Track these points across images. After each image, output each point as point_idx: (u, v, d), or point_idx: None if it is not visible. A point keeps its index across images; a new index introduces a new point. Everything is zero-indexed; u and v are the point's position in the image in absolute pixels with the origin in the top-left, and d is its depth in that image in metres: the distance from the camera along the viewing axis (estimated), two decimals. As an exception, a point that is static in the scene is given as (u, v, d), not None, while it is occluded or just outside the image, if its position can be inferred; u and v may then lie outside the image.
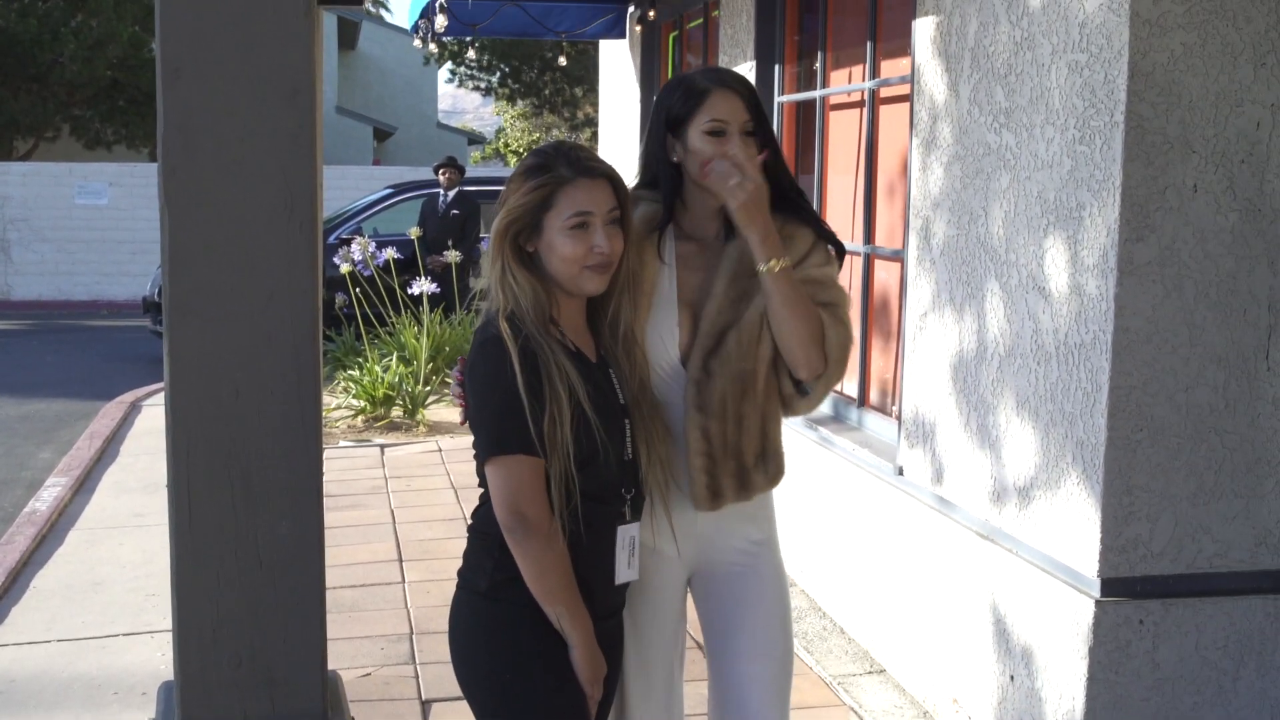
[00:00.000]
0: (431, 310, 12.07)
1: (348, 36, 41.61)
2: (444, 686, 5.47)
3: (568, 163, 3.05)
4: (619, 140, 11.52)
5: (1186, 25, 4.18)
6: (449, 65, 34.67)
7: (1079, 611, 4.30)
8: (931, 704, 5.33)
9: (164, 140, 2.67)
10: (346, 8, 2.89)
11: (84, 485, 9.61)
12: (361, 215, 16.21)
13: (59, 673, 6.00)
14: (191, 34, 2.66)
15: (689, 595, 3.51)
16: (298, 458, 2.84)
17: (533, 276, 3.05)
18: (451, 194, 14.52)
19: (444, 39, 13.27)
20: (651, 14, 9.81)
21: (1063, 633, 4.39)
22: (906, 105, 5.77)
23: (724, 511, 3.31)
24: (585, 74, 30.14)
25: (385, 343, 12.20)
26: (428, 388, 11.68)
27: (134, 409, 12.54)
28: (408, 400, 11.41)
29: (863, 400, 6.53)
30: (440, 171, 14.68)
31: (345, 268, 12.10)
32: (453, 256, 12.57)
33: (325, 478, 2.92)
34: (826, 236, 3.39)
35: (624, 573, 3.15)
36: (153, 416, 12.09)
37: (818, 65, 7.07)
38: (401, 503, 8.70)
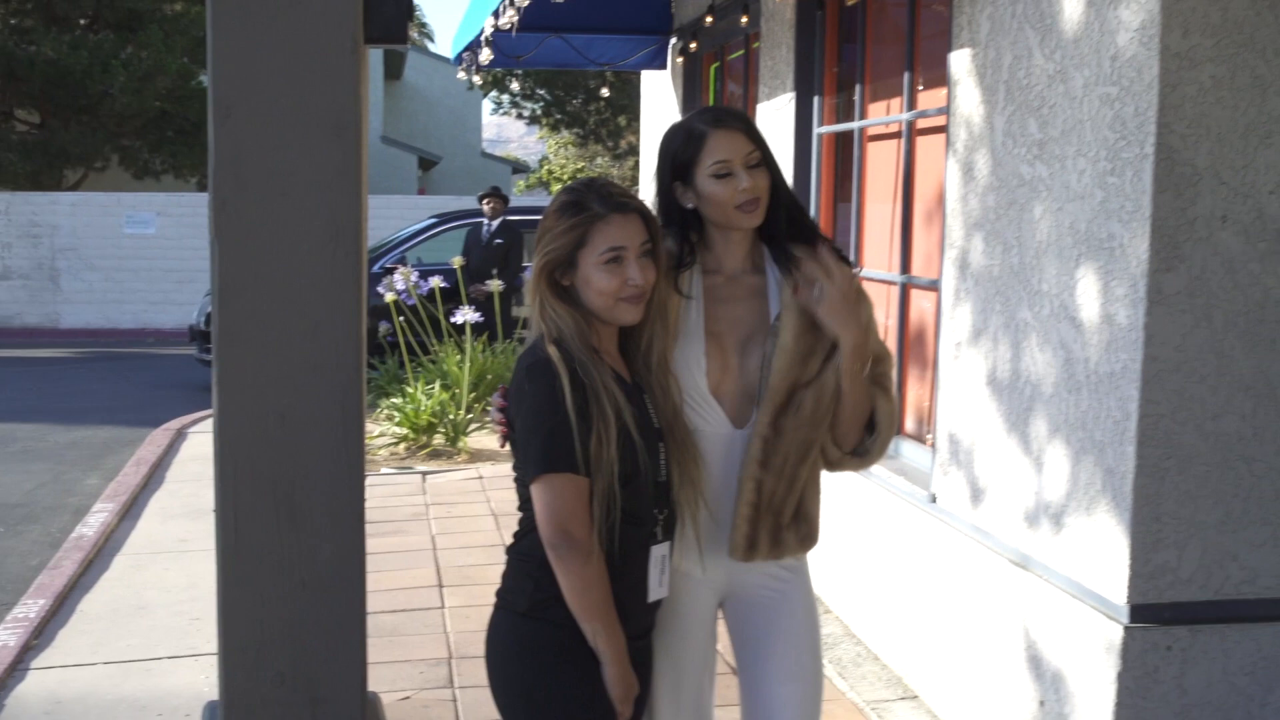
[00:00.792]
0: (474, 338, 12.19)
1: (393, 67, 42.00)
2: (482, 710, 5.55)
3: (600, 199, 3.17)
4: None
5: (1216, 58, 4.24)
6: (493, 95, 34.92)
7: (1108, 637, 4.35)
8: (965, 729, 5.38)
9: (215, 175, 2.78)
10: (392, 45, 2.97)
11: (130, 511, 9.75)
12: (406, 245, 16.38)
13: (104, 694, 6.12)
14: (242, 74, 2.77)
15: (720, 618, 3.58)
16: (340, 482, 2.93)
17: (571, 308, 3.16)
18: (495, 223, 14.66)
19: (489, 70, 13.42)
20: (693, 45, 9.92)
21: (1092, 658, 4.44)
22: (943, 136, 5.85)
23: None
24: (629, 103, 30.32)
25: (428, 370, 12.33)
26: (470, 415, 11.79)
27: (180, 436, 12.70)
28: (450, 428, 11.52)
29: (899, 429, 6.59)
30: (484, 201, 14.83)
31: (389, 297, 12.24)
32: (495, 285, 12.70)
33: (367, 503, 3.01)
34: (835, 251, 3.48)
35: (656, 590, 3.24)
36: (199, 443, 12.25)
37: (856, 97, 7.15)
38: (442, 529, 8.80)
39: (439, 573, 7.75)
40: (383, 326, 12.78)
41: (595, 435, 3.02)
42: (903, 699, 5.79)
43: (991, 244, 5.25)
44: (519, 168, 50.75)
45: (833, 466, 3.55)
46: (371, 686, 3.13)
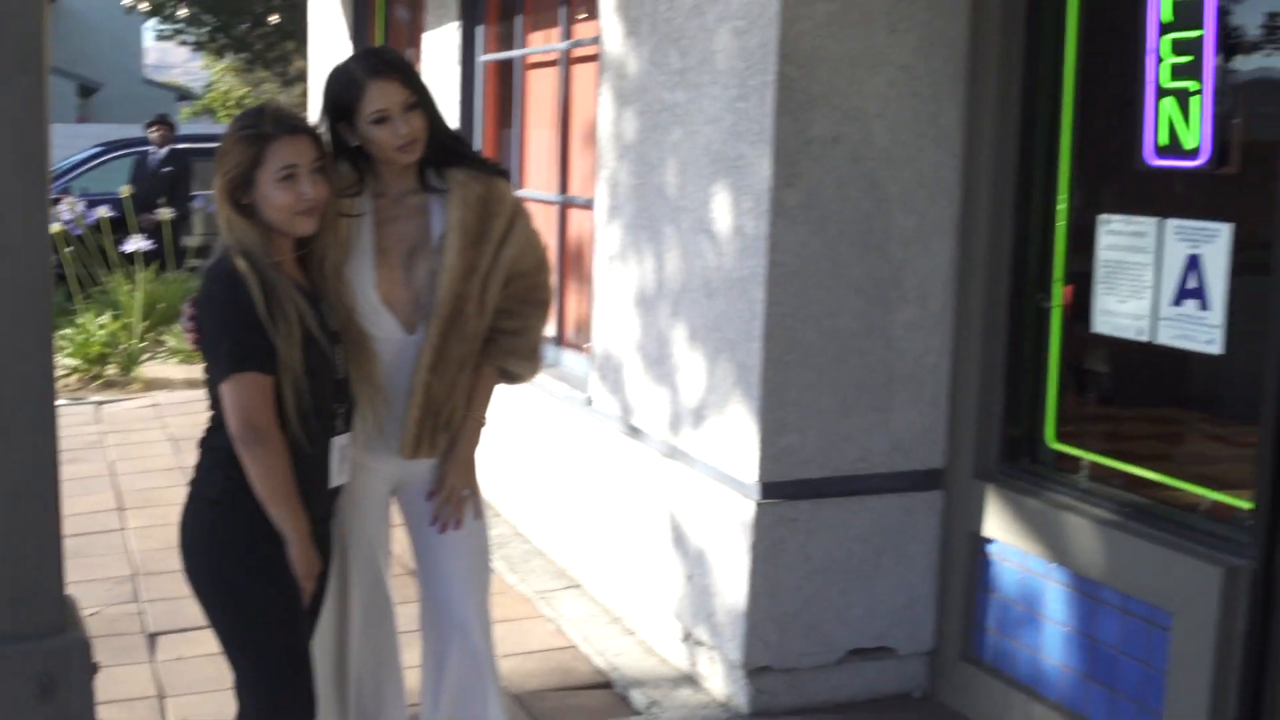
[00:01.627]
0: (145, 267, 12.14)
1: (48, -10, 40.28)
2: (170, 619, 5.80)
3: (273, 122, 3.48)
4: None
5: (827, -3, 4.78)
6: (155, 21, 33.91)
7: (743, 514, 4.90)
8: (622, 610, 5.90)
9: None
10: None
11: None
12: (70, 175, 16.05)
13: None
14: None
15: (394, 505, 3.98)
16: (35, 395, 3.23)
17: (253, 223, 3.46)
18: (163, 151, 14.53)
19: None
20: (361, -25, 10.13)
21: (730, 534, 4.98)
22: (596, 65, 6.28)
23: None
24: (296, 29, 29.92)
25: (98, 301, 12.23)
26: (143, 344, 11.78)
27: None
28: (123, 357, 11.50)
29: (560, 339, 7.05)
30: (152, 129, 14.67)
31: (55, 227, 12.08)
32: (165, 214, 12.65)
33: (43, 434, 3.31)
34: (491, 168, 3.90)
35: (337, 477, 3.59)
36: None
37: (517, 26, 7.53)
38: (121, 455, 8.88)
39: (119, 496, 7.86)
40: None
41: (280, 337, 3.35)
42: (567, 588, 6.29)
43: (638, 165, 5.73)
44: (184, 94, 49.32)
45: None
46: (60, 605, 3.41)
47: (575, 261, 6.94)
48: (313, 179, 3.47)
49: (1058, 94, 4.81)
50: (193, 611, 3.74)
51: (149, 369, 11.73)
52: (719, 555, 5.06)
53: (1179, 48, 4.28)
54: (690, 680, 5.27)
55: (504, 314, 3.87)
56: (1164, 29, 4.32)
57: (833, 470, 4.96)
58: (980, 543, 4.96)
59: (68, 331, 11.79)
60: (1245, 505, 4.10)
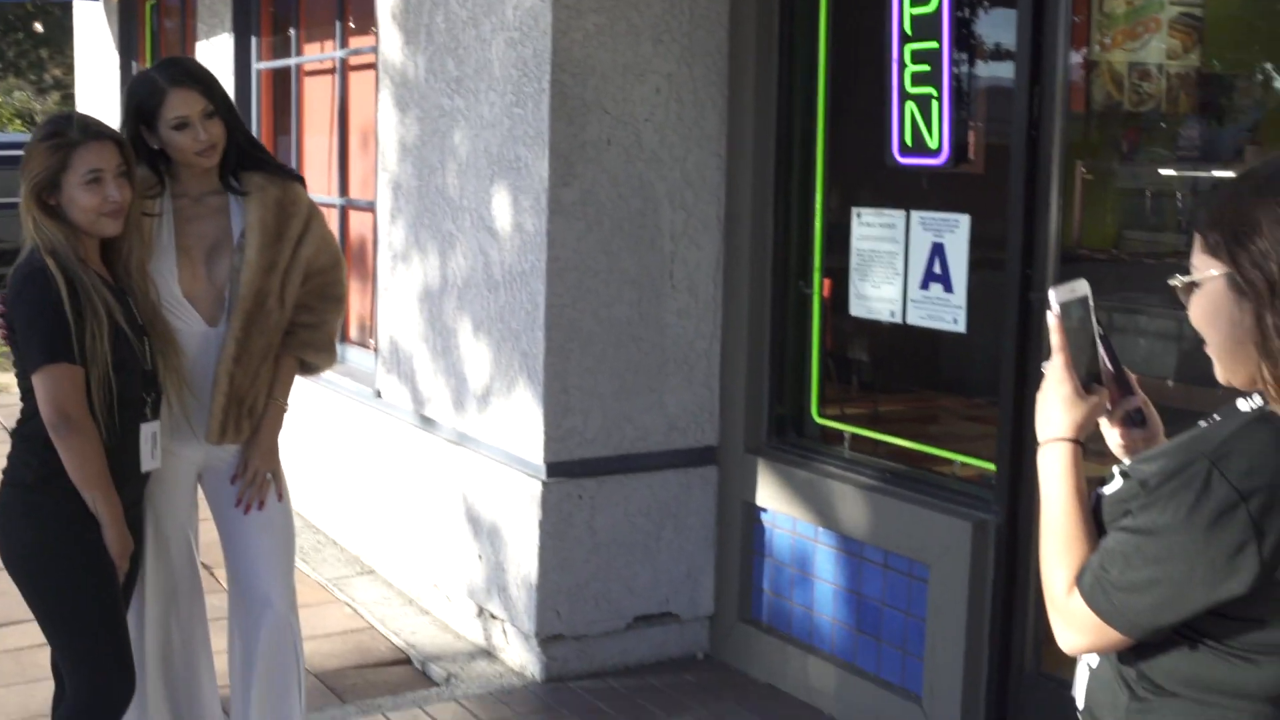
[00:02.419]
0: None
1: None
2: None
3: (79, 129, 3.66)
4: (99, 104, 11.70)
5: (598, 9, 5.12)
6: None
7: (531, 492, 5.21)
8: (416, 592, 6.16)
9: None
10: None
11: None
12: None
13: None
14: None
15: (200, 488, 4.19)
16: None
17: (60, 224, 3.63)
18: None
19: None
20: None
21: (519, 512, 5.28)
22: (374, 72, 6.52)
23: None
24: (52, 36, 29.20)
25: None
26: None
27: None
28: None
29: (344, 336, 7.26)
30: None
31: None
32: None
33: None
34: (287, 173, 4.16)
35: (148, 462, 3.79)
36: None
37: (292, 35, 7.71)
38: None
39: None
40: None
41: (89, 331, 3.53)
42: (361, 574, 6.51)
43: (419, 167, 5.99)
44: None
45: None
46: None
47: (358, 261, 7.16)
48: (117, 182, 3.64)
49: (812, 99, 5.25)
50: None
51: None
52: (510, 534, 5.35)
53: (919, 57, 4.74)
54: (486, 653, 5.56)
55: (302, 309, 4.12)
56: (905, 39, 4.77)
57: (614, 449, 5.30)
58: (754, 512, 5.36)
59: None
60: (990, 467, 4.57)
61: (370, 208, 6.76)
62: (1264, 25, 5.19)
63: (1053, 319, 2.10)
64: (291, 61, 7.71)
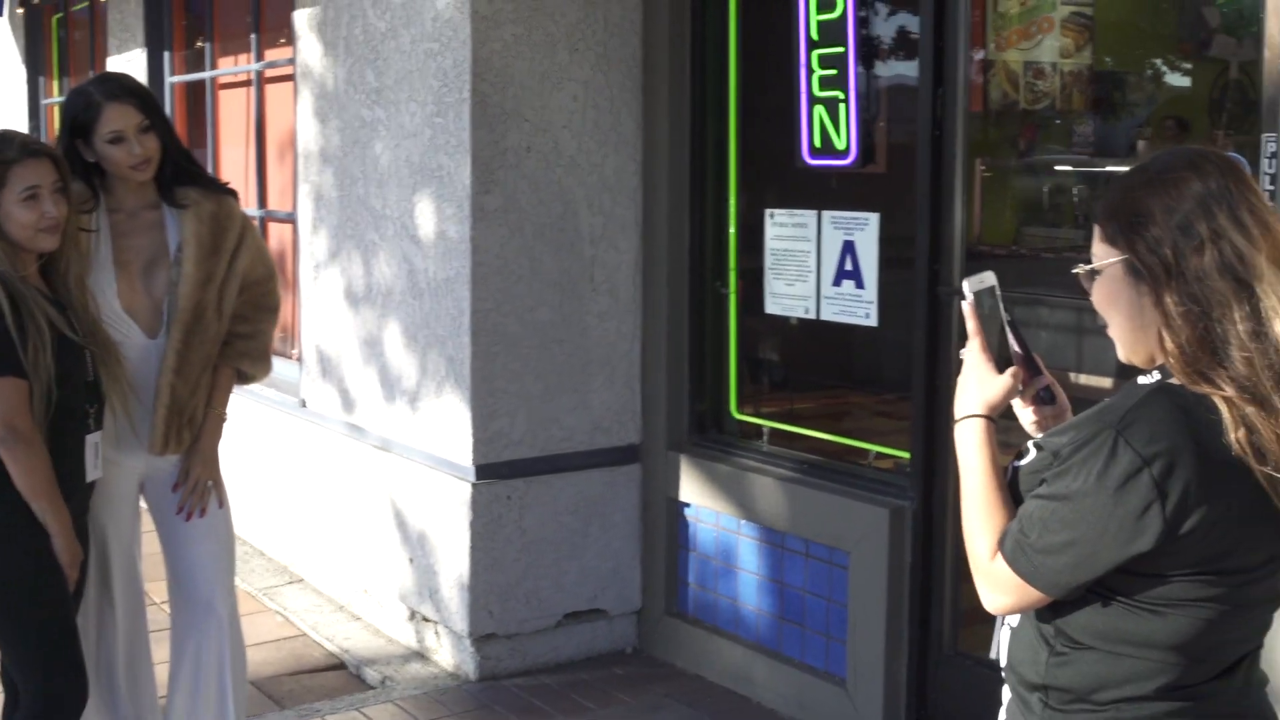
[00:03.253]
0: None
1: None
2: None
3: (15, 147, 3.72)
4: (4, 118, 11.62)
5: (515, 20, 5.24)
6: None
7: (460, 495, 5.31)
8: (346, 598, 6.24)
9: None
10: None
11: None
12: None
13: None
14: None
15: (142, 498, 4.26)
16: None
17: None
18: None
19: None
20: (35, -1, 10.11)
21: (449, 515, 5.39)
22: (291, 85, 6.59)
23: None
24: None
25: None
26: None
27: None
28: None
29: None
30: None
31: None
32: None
33: None
34: (220, 187, 4.25)
35: (92, 472, 3.86)
36: None
37: (206, 49, 7.76)
38: None
39: None
40: None
41: (32, 344, 3.61)
42: (290, 583, 6.58)
43: (340, 177, 6.07)
44: None
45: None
46: None
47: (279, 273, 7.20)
48: (54, 198, 3.71)
49: (723, 103, 5.41)
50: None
51: None
52: (440, 536, 5.46)
53: (826, 62, 4.91)
54: (419, 655, 5.66)
55: (238, 319, 4.21)
56: (812, 45, 4.94)
57: (541, 450, 5.42)
58: (677, 507, 5.50)
59: None
60: (904, 455, 4.74)
61: (289, 219, 6.83)
62: (1150, 25, 5.42)
63: (967, 308, 2.27)
64: (206, 75, 7.76)
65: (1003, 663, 2.32)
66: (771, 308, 5.24)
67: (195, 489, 4.17)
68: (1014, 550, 2.10)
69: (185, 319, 4.04)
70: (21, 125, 10.67)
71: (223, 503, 4.26)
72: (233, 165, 7.67)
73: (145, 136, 3.99)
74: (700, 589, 5.47)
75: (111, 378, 3.90)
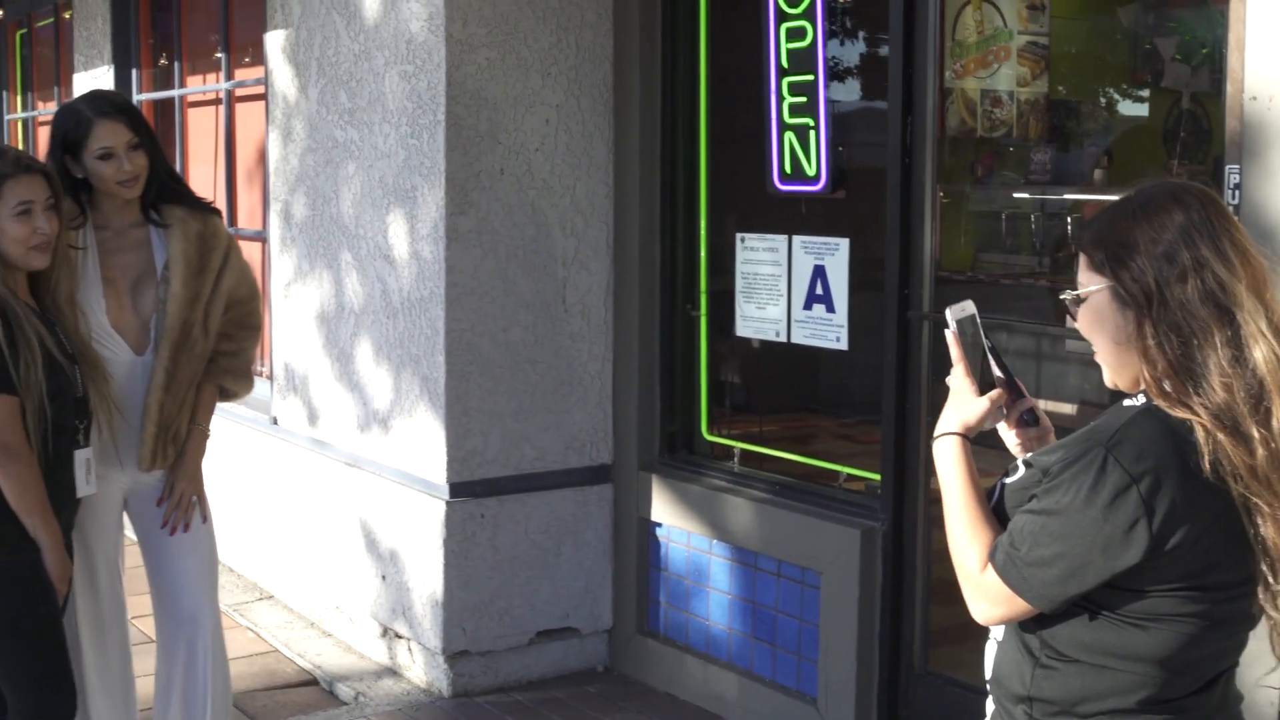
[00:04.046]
0: None
1: None
2: None
3: (9, 163, 3.77)
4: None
5: (490, 44, 5.31)
6: None
7: (434, 513, 5.36)
8: (317, 615, 6.27)
9: None
10: None
11: None
12: None
13: None
14: None
15: (126, 512, 4.30)
16: None
17: None
18: None
19: None
20: (0, 13, 10.08)
21: (423, 533, 5.43)
22: (262, 104, 6.63)
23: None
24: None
25: None
26: None
27: None
28: None
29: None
30: None
31: None
32: None
33: None
34: (206, 207, 4.30)
35: (83, 488, 3.89)
36: None
37: (175, 67, 7.78)
38: None
39: None
40: None
41: (23, 361, 3.63)
42: (260, 600, 6.60)
43: (312, 197, 6.11)
44: None
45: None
46: None
47: (248, 291, 7.23)
48: (46, 215, 3.76)
49: (695, 128, 5.49)
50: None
51: None
52: (413, 554, 5.50)
53: (796, 89, 4.99)
54: (392, 672, 5.69)
55: (223, 337, 4.27)
56: (783, 73, 5.03)
57: (514, 469, 5.48)
58: (649, 527, 5.57)
59: None
60: (875, 477, 4.82)
61: (259, 237, 6.86)
62: (1105, 54, 5.54)
63: (950, 335, 2.37)
64: (175, 93, 7.78)
65: (988, 675, 2.41)
66: (742, 330, 5.32)
67: (180, 504, 4.22)
68: (1005, 563, 2.19)
69: (174, 337, 4.10)
70: (-17, 139, 10.66)
71: (206, 517, 4.31)
72: (202, 183, 7.67)
73: (134, 154, 4.05)
74: (672, 608, 5.53)
75: (99, 394, 3.94)
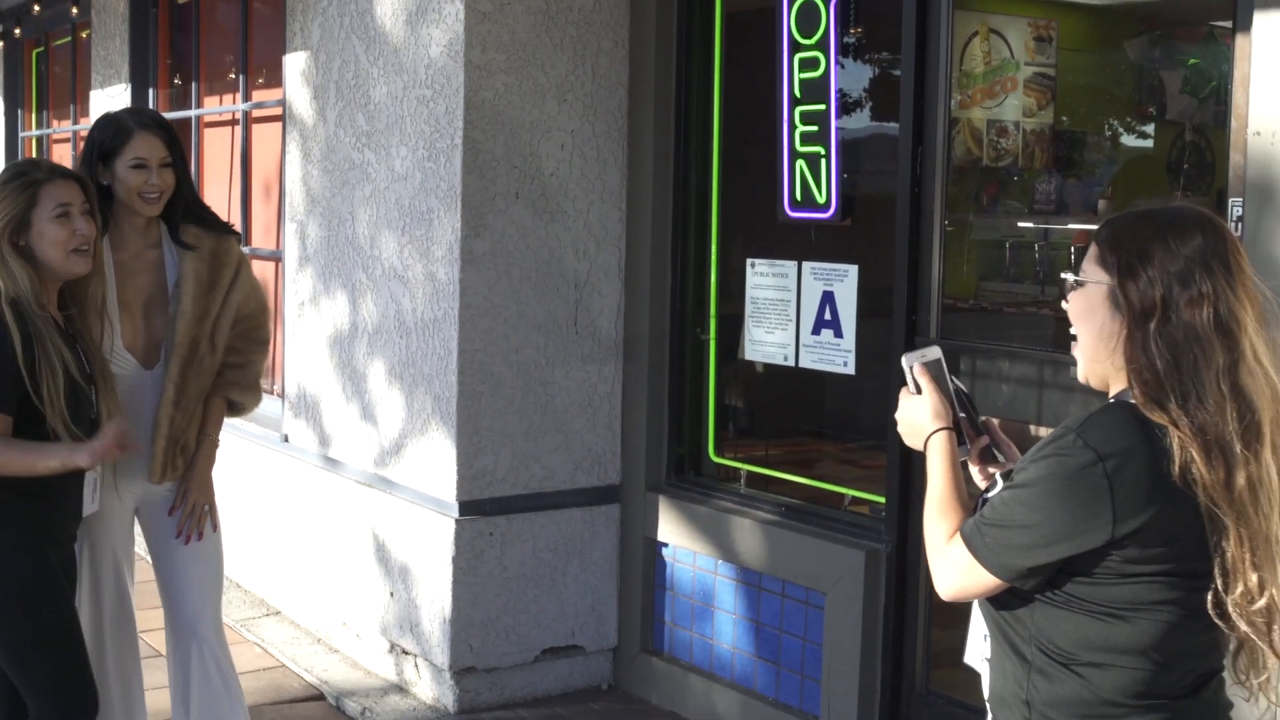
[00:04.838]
0: None
1: None
2: None
3: (44, 169, 3.85)
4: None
5: (507, 69, 5.40)
6: None
7: (443, 531, 5.43)
8: (324, 631, 6.33)
9: None
10: None
11: None
12: None
13: None
14: None
15: (137, 522, 4.38)
16: None
17: (29, 266, 3.74)
18: None
19: None
20: (16, 31, 10.20)
21: (432, 550, 5.51)
22: (279, 125, 6.72)
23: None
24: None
25: None
26: None
27: None
28: None
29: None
30: None
31: None
32: None
33: None
34: (222, 227, 4.40)
35: (89, 506, 3.95)
36: None
37: (192, 88, 7.88)
38: None
39: None
40: None
41: (45, 381, 3.66)
42: (267, 615, 6.67)
43: (329, 218, 6.20)
44: None
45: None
46: None
47: (260, 309, 7.32)
48: (85, 219, 3.83)
49: (707, 155, 5.58)
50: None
51: None
52: (422, 571, 5.57)
53: (807, 118, 5.08)
54: (398, 688, 5.76)
55: (231, 350, 4.36)
56: (795, 102, 5.12)
57: (523, 488, 5.55)
58: (655, 547, 5.64)
59: None
60: (879, 499, 4.90)
61: (273, 257, 6.95)
62: (1110, 86, 5.63)
63: (917, 369, 2.55)
64: (191, 113, 7.88)
65: (986, 695, 2.50)
66: (751, 354, 5.40)
67: (194, 512, 4.29)
68: (972, 531, 2.33)
69: (183, 353, 4.19)
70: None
71: (216, 526, 4.39)
72: (217, 203, 7.76)
73: (164, 171, 4.16)
74: (677, 627, 5.60)
75: (111, 410, 4.00)
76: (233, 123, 7.52)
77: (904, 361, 2.57)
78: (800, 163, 5.14)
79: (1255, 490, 2.19)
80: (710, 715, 5.39)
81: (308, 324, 6.42)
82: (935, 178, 4.72)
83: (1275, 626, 2.25)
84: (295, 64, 6.44)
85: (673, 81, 5.61)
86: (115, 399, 4.01)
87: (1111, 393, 2.34)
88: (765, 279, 5.33)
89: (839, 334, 5.05)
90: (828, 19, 4.97)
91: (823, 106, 5.05)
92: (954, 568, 2.35)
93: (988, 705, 2.50)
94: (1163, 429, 2.20)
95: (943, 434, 2.49)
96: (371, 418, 5.92)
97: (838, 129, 5.04)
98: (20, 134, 11.01)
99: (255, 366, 4.47)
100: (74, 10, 8.96)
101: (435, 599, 5.49)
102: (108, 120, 4.23)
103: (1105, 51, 5.68)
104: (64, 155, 10.27)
